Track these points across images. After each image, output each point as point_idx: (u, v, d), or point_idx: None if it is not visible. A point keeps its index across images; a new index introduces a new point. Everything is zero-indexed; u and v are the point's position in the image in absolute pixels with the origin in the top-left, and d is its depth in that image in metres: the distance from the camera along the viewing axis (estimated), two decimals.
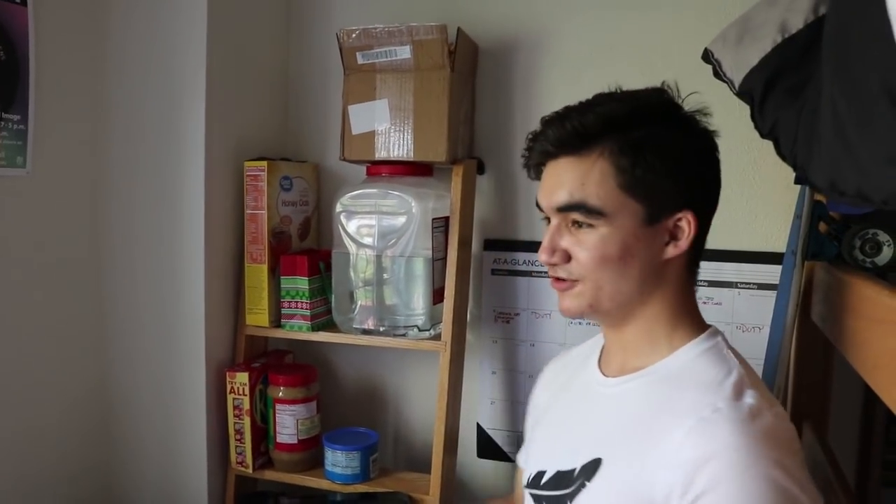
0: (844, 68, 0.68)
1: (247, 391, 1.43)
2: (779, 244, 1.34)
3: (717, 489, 0.67)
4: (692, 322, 0.84)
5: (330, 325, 1.50)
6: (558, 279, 0.83)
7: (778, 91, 0.92)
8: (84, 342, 1.44)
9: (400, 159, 1.40)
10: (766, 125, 0.95)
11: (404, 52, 1.37)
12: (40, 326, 1.33)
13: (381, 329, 1.42)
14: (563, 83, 1.47)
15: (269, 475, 1.49)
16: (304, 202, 1.57)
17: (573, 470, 0.81)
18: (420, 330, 1.41)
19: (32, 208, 1.30)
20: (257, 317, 1.47)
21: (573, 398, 0.94)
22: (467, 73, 1.48)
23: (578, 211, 0.79)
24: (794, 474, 0.68)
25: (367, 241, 1.41)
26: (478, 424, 1.58)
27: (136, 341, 1.46)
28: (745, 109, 0.99)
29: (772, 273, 1.34)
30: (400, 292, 1.41)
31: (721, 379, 0.76)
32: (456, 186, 1.42)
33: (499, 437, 1.57)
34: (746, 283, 1.39)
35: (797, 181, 1.04)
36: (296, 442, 1.46)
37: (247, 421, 1.44)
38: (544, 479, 0.87)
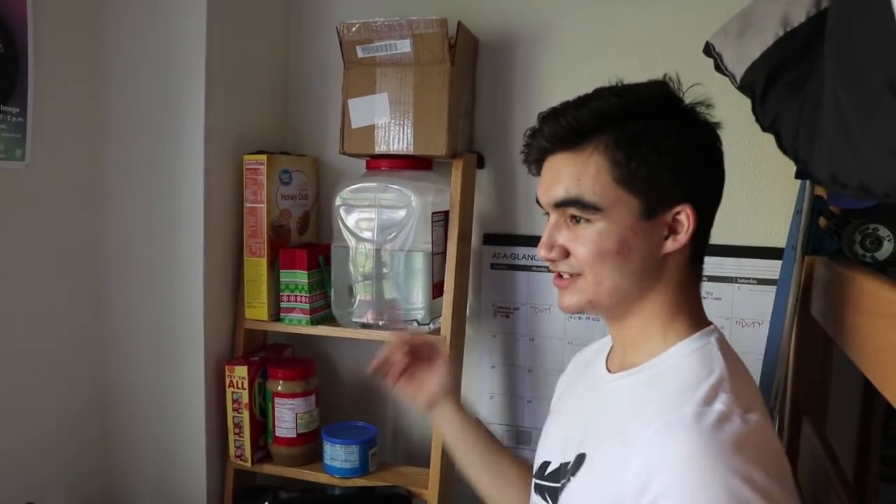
0: (847, 61, 0.68)
1: (246, 385, 1.43)
2: (779, 239, 1.34)
3: (668, 496, 0.66)
4: (690, 319, 0.82)
5: (329, 319, 1.50)
6: (559, 276, 0.83)
7: (780, 85, 0.92)
8: (82, 334, 1.43)
9: (400, 153, 1.40)
10: (767, 119, 0.95)
11: (404, 46, 1.36)
12: (38, 318, 1.33)
13: (381, 323, 1.42)
14: (564, 77, 1.47)
15: (268, 469, 1.49)
16: (304, 196, 1.57)
17: (567, 463, 0.82)
18: (419, 324, 1.41)
19: (31, 201, 1.29)
20: (256, 310, 1.47)
21: (580, 391, 0.94)
22: (467, 67, 1.47)
23: (575, 206, 0.79)
24: (757, 484, 0.65)
25: (367, 234, 1.41)
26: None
27: (135, 334, 1.46)
28: (746, 104, 0.98)
29: (772, 268, 1.34)
30: (399, 286, 1.41)
31: (699, 382, 0.73)
32: (456, 180, 1.41)
33: (498, 432, 1.56)
34: (746, 279, 1.39)
35: (798, 175, 1.04)
36: (295, 436, 1.46)
37: (245, 415, 1.44)
38: (548, 470, 0.87)
